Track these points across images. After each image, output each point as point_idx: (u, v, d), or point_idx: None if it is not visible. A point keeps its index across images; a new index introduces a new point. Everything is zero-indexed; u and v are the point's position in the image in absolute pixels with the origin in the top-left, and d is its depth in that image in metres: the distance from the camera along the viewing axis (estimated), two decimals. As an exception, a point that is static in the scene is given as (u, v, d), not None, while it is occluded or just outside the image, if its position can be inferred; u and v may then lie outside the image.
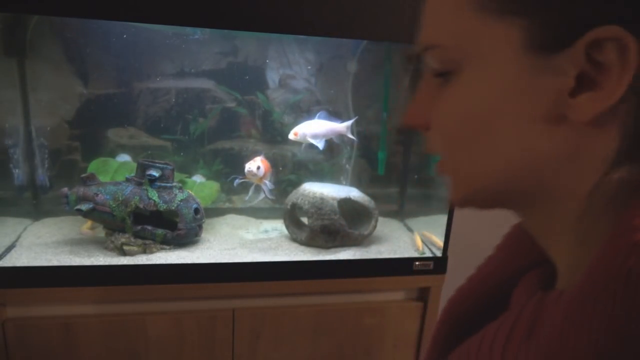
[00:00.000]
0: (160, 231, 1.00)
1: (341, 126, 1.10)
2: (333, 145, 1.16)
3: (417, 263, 1.04)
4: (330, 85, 1.23)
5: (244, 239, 1.10)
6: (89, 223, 1.10)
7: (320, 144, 1.08)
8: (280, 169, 1.25)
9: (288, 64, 1.19)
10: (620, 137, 0.27)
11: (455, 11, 0.30)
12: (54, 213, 1.15)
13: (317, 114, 1.10)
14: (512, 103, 0.29)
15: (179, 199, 1.01)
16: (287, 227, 1.13)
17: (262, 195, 1.11)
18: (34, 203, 1.14)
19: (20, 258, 0.94)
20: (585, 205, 0.29)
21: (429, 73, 0.33)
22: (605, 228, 0.28)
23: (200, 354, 1.00)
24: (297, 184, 1.19)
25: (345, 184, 1.26)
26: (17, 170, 1.11)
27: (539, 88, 0.28)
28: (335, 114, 1.22)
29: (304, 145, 1.11)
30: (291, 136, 1.07)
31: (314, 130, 1.07)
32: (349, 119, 1.12)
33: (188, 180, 1.18)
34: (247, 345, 1.02)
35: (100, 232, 1.06)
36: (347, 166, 1.28)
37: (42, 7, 0.78)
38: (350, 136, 1.12)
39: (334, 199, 1.06)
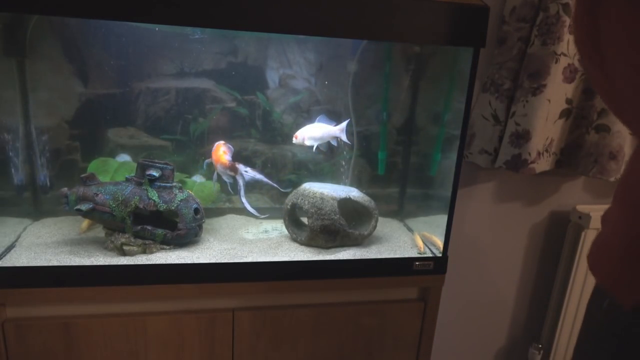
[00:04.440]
0: (160, 231, 1.00)
1: (335, 129, 1.13)
2: (332, 146, 1.17)
3: (417, 263, 1.04)
4: (330, 85, 1.23)
5: (244, 239, 1.10)
6: (85, 223, 1.10)
7: (314, 147, 1.13)
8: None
9: (288, 64, 1.19)
10: None
11: None
12: (54, 213, 1.15)
13: (317, 118, 1.12)
14: None
15: (179, 199, 1.01)
16: (287, 227, 1.13)
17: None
18: (31, 206, 1.14)
19: (20, 258, 0.94)
20: None
21: None
22: None
23: (200, 354, 1.00)
24: (297, 184, 1.19)
25: (345, 184, 1.26)
26: (17, 170, 1.11)
27: None
28: (335, 115, 1.23)
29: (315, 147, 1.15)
30: (294, 139, 1.13)
31: (311, 133, 1.12)
32: (346, 120, 1.14)
33: (188, 180, 1.18)
34: (247, 345, 1.02)
35: (100, 232, 1.06)
36: (343, 165, 1.29)
37: (42, 7, 0.78)
38: (345, 139, 1.13)
39: (334, 199, 1.06)
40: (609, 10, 0.50)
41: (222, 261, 0.98)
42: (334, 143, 1.15)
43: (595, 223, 1.36)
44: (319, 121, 1.13)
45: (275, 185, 1.13)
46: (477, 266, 1.49)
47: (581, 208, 1.39)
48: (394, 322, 1.08)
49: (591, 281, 1.44)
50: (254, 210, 1.12)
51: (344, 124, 1.13)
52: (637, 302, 0.60)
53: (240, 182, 1.09)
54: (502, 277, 1.52)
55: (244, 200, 1.09)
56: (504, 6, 1.21)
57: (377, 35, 0.89)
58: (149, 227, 1.00)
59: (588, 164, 1.28)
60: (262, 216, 1.16)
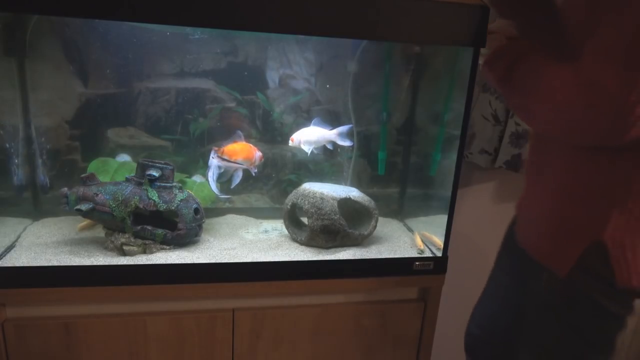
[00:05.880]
0: (160, 231, 1.00)
1: (331, 133, 1.13)
2: (328, 149, 1.17)
3: (417, 263, 1.04)
4: (330, 85, 1.23)
5: (244, 239, 1.10)
6: (85, 222, 1.10)
7: (308, 151, 1.13)
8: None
9: (288, 63, 1.19)
10: None
11: None
12: (54, 213, 1.15)
13: (312, 121, 1.12)
14: None
15: (179, 199, 1.01)
16: (287, 227, 1.13)
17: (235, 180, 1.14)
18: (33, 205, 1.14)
19: (20, 258, 0.94)
20: None
21: None
22: None
23: (200, 354, 1.00)
24: (297, 184, 1.19)
25: (345, 184, 1.26)
26: (17, 170, 1.11)
27: None
28: (334, 117, 1.23)
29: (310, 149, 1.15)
30: (290, 142, 1.14)
31: (306, 137, 1.13)
32: (348, 121, 1.14)
33: (188, 180, 1.18)
34: (247, 345, 1.02)
35: (100, 232, 1.06)
36: (343, 165, 1.29)
37: (42, 7, 0.78)
38: (341, 143, 1.14)
39: (334, 199, 1.06)
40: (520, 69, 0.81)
41: (222, 261, 0.98)
42: (330, 147, 1.15)
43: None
44: (313, 124, 1.13)
45: (242, 165, 1.11)
46: (477, 266, 1.48)
47: (581, 208, 1.39)
48: (394, 322, 1.08)
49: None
50: (217, 190, 1.12)
51: (341, 128, 1.13)
52: (571, 269, 0.78)
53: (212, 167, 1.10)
54: (502, 277, 1.52)
55: (210, 179, 1.11)
56: (504, 6, 1.21)
57: (377, 35, 0.89)
58: (149, 227, 1.00)
59: (588, 164, 1.28)
60: (225, 197, 1.15)
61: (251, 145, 1.12)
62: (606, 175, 0.76)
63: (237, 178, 1.12)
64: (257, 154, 1.12)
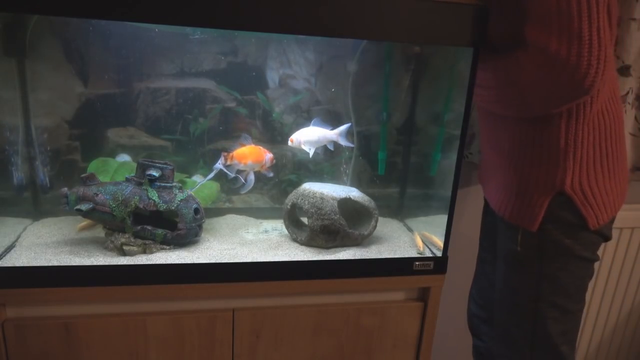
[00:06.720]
0: (160, 231, 1.00)
1: (332, 133, 1.13)
2: (329, 149, 1.17)
3: (417, 263, 1.04)
4: (330, 85, 1.23)
5: (244, 239, 1.10)
6: (85, 222, 1.10)
7: (310, 152, 1.12)
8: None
9: (288, 63, 1.19)
10: None
11: None
12: (54, 213, 1.15)
13: (312, 121, 1.12)
14: None
15: (179, 199, 1.01)
16: (287, 227, 1.13)
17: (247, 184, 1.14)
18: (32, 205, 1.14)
19: (20, 258, 0.94)
20: None
21: None
22: None
23: (200, 354, 1.01)
24: (297, 184, 1.19)
25: (345, 184, 1.26)
26: (17, 170, 1.11)
27: None
28: (334, 117, 1.23)
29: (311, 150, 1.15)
30: (289, 143, 1.13)
31: (306, 137, 1.12)
32: (348, 121, 1.13)
33: (188, 180, 1.18)
34: (247, 345, 1.03)
35: (100, 232, 1.06)
36: (344, 166, 1.29)
37: (42, 7, 0.78)
38: (342, 143, 1.13)
39: (334, 199, 1.06)
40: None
41: (222, 261, 0.98)
42: (331, 147, 1.15)
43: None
44: (313, 124, 1.13)
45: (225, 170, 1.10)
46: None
47: (581, 208, 1.39)
48: (394, 322, 1.08)
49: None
50: (199, 184, 1.13)
51: (342, 128, 1.13)
52: (541, 222, 0.91)
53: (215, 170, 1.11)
54: (502, 277, 1.51)
55: (200, 180, 1.12)
56: (504, 6, 1.21)
57: (377, 35, 0.89)
58: (149, 227, 1.00)
59: (588, 163, 1.29)
60: (201, 180, 1.14)
61: (261, 147, 1.11)
62: (552, 134, 0.89)
63: (250, 184, 1.12)
64: (268, 155, 1.11)
